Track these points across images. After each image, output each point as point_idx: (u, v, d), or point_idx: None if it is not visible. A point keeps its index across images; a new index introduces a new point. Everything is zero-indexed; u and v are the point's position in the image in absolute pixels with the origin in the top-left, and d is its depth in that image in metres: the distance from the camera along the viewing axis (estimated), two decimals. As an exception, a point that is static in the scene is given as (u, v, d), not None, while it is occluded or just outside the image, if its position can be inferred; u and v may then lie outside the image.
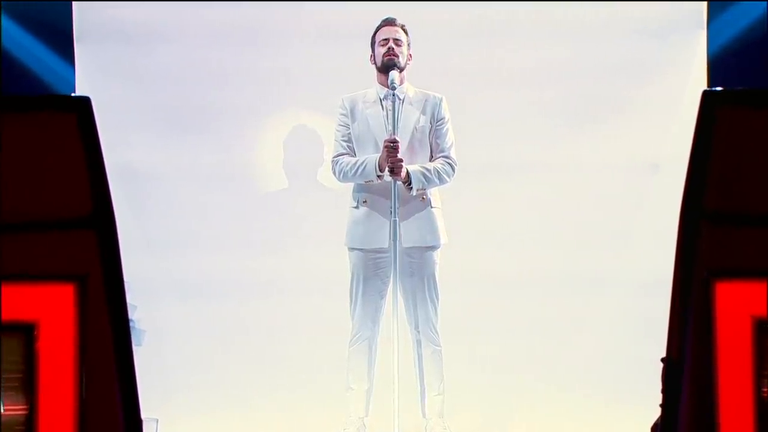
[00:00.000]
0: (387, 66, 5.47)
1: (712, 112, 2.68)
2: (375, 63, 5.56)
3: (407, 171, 5.37)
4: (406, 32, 5.56)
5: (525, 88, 6.57)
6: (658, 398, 2.77)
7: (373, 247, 5.48)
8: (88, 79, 6.52)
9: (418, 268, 5.50)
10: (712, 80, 6.44)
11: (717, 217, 2.67)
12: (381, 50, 5.51)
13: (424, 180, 5.42)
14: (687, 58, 6.55)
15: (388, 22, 5.56)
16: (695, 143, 2.69)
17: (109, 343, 2.63)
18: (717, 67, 6.47)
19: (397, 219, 5.35)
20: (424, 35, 5.96)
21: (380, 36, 5.54)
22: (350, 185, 5.57)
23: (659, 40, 6.54)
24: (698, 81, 6.47)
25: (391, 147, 5.33)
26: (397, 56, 5.46)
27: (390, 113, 5.38)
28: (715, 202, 2.67)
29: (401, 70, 5.50)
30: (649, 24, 6.54)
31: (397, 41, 5.50)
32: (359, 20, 6.26)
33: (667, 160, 6.45)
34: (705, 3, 6.54)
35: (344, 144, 5.55)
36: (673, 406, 2.71)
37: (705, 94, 2.71)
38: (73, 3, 6.53)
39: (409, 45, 5.55)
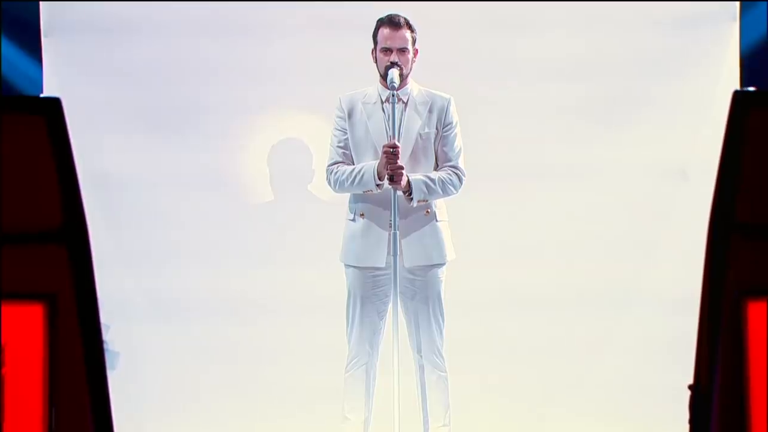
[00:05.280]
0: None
1: (743, 115, 2.70)
2: (376, 63, 5.55)
3: (408, 180, 5.37)
4: (411, 28, 5.50)
5: (543, 86, 6.56)
6: (685, 429, 2.78)
7: (372, 265, 5.48)
8: (57, 78, 6.52)
9: (421, 287, 5.50)
10: (744, 79, 6.45)
11: (749, 230, 2.68)
12: (383, 58, 5.47)
13: (426, 190, 5.41)
14: (719, 53, 6.55)
15: (392, 24, 5.47)
16: (725, 148, 2.70)
17: (80, 368, 2.64)
18: (750, 65, 6.47)
19: (397, 232, 5.35)
20: (435, 27, 5.96)
21: (383, 41, 5.47)
22: (346, 196, 5.57)
23: (688, 34, 6.54)
24: (731, 79, 6.48)
25: (391, 153, 5.33)
26: (401, 68, 5.44)
27: (390, 116, 5.37)
28: (747, 213, 2.69)
29: (406, 75, 5.48)
30: (677, 16, 6.54)
31: (401, 51, 5.46)
32: (358, 11, 6.27)
33: (696, 167, 6.45)
34: (739, -8, 6.55)
35: (340, 151, 5.54)
36: (702, 437, 2.73)
37: (736, 94, 2.72)
38: (42, -7, 6.55)
39: (414, 41, 5.53)
